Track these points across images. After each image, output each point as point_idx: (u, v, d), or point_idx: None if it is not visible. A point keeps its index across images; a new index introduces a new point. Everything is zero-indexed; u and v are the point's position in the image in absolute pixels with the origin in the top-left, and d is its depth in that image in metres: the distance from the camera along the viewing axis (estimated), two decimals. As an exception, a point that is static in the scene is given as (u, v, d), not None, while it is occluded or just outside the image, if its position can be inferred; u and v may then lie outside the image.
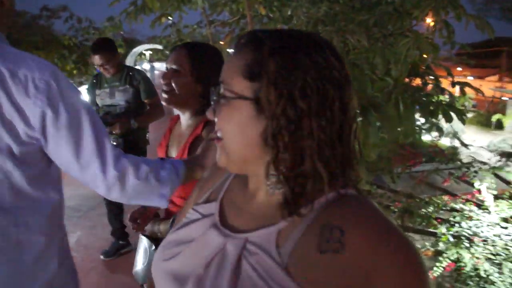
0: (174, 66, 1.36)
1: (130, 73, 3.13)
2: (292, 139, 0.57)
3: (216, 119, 0.65)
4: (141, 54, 26.22)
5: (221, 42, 4.76)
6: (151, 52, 29.07)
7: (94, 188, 1.04)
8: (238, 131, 0.61)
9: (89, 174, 1.00)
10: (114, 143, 2.96)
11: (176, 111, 1.51)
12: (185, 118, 1.44)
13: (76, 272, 1.24)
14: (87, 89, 3.30)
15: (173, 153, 1.47)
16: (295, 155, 0.58)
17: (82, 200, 4.47)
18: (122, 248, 3.45)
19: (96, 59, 2.99)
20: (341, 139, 0.59)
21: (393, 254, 0.52)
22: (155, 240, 1.43)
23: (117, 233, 3.45)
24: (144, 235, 1.47)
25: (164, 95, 1.38)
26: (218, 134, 0.65)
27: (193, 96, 1.37)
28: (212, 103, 0.66)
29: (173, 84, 1.35)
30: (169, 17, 4.57)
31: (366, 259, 0.51)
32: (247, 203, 0.67)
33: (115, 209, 3.38)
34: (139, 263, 1.47)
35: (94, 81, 3.23)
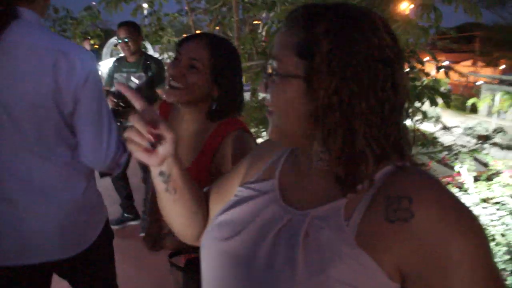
0: (190, 59, 1.14)
1: (147, 62, 3.28)
2: (342, 119, 0.57)
3: (267, 94, 0.65)
4: (117, 45, 25.61)
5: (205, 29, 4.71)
6: (126, 42, 28.36)
7: (91, 155, 1.19)
8: (289, 106, 0.62)
9: (95, 144, 1.18)
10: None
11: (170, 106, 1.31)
12: (193, 120, 1.23)
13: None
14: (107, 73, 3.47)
15: (184, 155, 1.20)
16: (345, 134, 0.58)
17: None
18: (127, 221, 3.45)
19: (121, 32, 3.20)
20: (393, 118, 0.59)
21: (461, 227, 0.53)
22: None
23: (123, 205, 3.45)
24: (176, 266, 1.21)
25: (173, 91, 1.15)
26: (270, 108, 0.65)
27: (207, 97, 1.17)
28: (264, 78, 0.66)
29: (187, 81, 1.14)
30: (150, 5, 4.49)
31: (435, 227, 0.53)
32: (305, 180, 0.67)
33: (121, 179, 3.40)
34: None
35: (116, 64, 3.40)
